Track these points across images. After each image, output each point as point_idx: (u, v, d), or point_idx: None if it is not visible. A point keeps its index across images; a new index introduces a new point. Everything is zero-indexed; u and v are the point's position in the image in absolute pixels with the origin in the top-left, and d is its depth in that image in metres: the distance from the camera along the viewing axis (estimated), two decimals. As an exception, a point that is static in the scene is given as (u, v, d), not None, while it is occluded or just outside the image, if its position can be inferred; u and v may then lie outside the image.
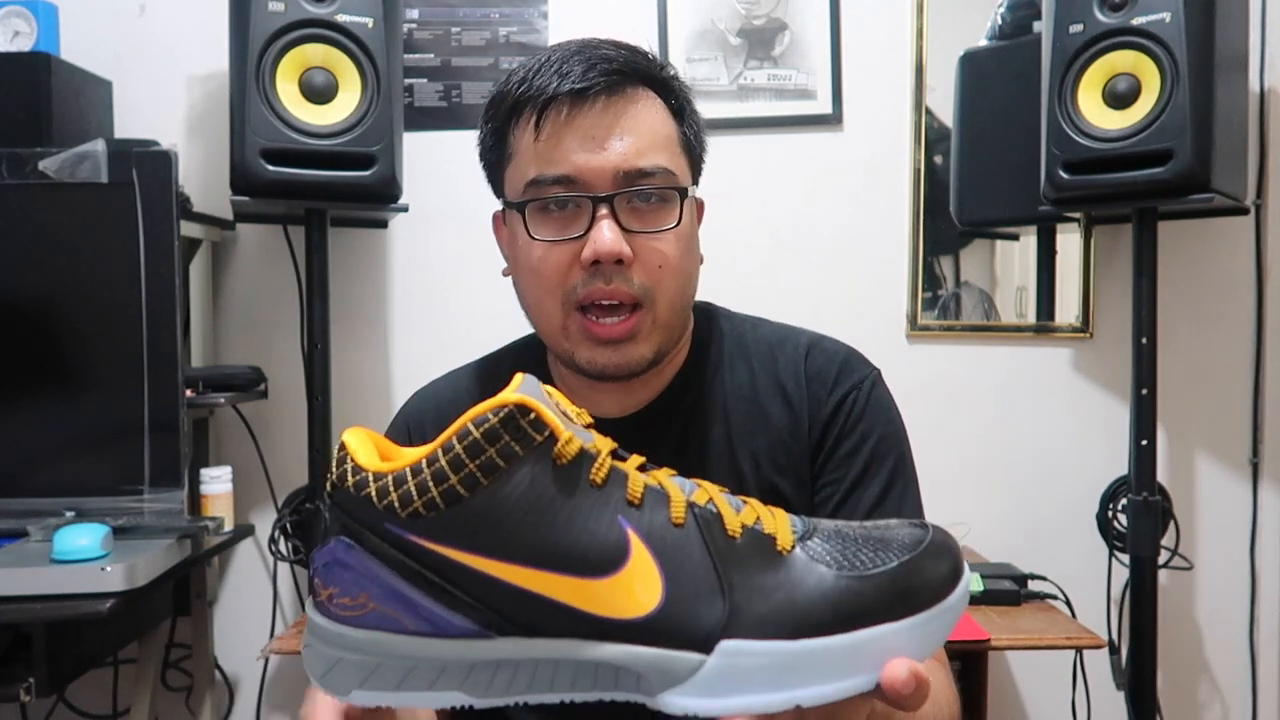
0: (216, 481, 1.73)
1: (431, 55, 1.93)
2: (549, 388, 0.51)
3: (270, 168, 1.56)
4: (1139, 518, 1.68)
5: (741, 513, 0.51)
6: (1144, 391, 1.67)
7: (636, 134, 0.78)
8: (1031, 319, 1.93)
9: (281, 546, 1.80)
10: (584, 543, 0.47)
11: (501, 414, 0.47)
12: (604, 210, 0.76)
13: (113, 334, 1.48)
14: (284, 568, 1.88)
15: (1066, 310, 1.91)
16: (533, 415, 0.47)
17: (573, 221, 0.78)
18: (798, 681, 0.46)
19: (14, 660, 1.30)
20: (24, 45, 1.74)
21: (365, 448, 0.49)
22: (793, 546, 0.49)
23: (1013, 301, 1.94)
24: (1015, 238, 1.97)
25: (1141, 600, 1.70)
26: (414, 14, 1.91)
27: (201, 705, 1.81)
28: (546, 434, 0.47)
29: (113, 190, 1.47)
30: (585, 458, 0.48)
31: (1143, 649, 1.69)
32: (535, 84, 0.78)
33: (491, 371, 0.94)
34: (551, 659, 0.47)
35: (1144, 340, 1.67)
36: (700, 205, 0.90)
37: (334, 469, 0.49)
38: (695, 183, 0.86)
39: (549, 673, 0.47)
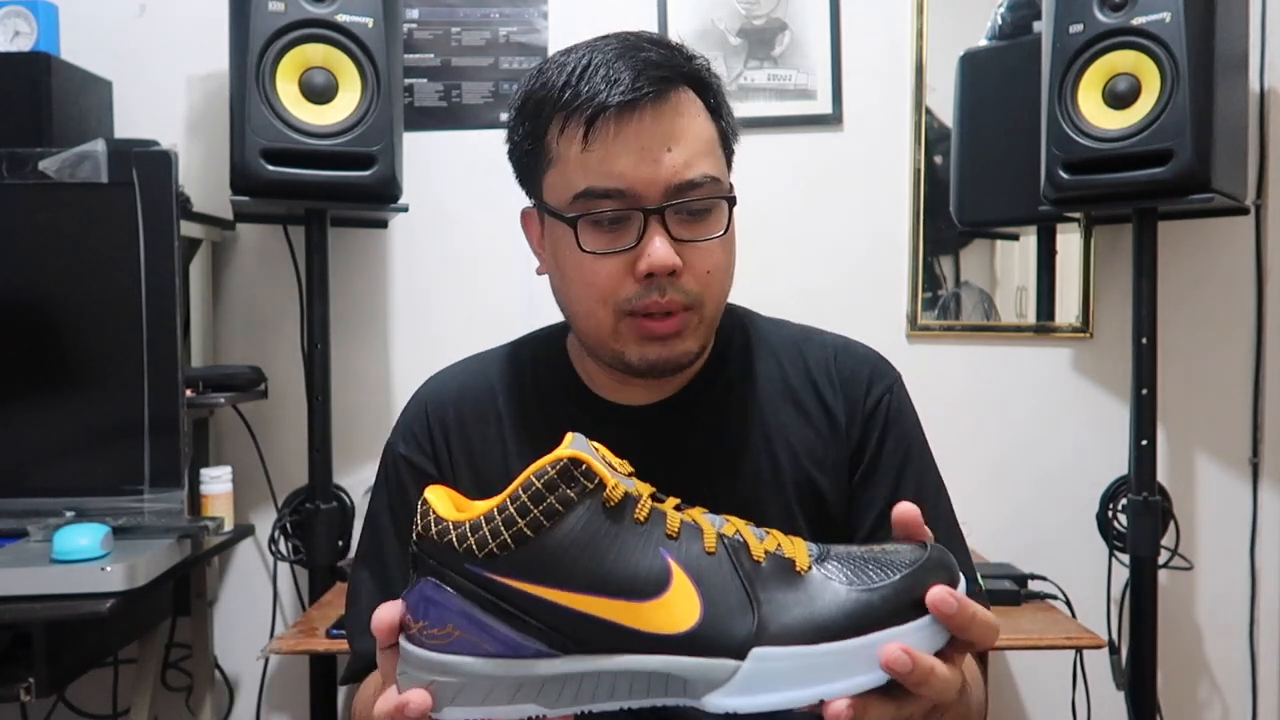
0: (216, 481, 1.73)
1: (431, 55, 1.93)
2: (595, 443, 0.59)
3: (270, 168, 1.56)
4: (1139, 518, 1.68)
5: (764, 541, 0.59)
6: (1144, 391, 1.67)
7: (684, 144, 0.79)
8: (1031, 319, 1.93)
9: (281, 546, 1.80)
10: (632, 571, 0.56)
11: (559, 466, 0.56)
12: (655, 222, 0.78)
13: (113, 334, 1.48)
14: (284, 568, 1.88)
15: (1066, 310, 1.91)
16: (584, 466, 0.56)
17: (623, 233, 0.79)
18: (820, 679, 0.55)
19: (14, 660, 1.31)
20: (24, 45, 1.74)
21: (444, 502, 0.59)
22: (809, 567, 0.58)
23: (1013, 301, 1.95)
24: (1015, 238, 1.97)
25: (1141, 600, 1.70)
26: (414, 14, 1.91)
27: (201, 705, 1.81)
28: (596, 481, 0.56)
29: (113, 190, 1.47)
30: (629, 500, 0.57)
31: (1143, 649, 1.70)
32: (583, 91, 0.77)
33: (513, 360, 0.94)
34: (611, 671, 0.56)
35: (1144, 340, 1.67)
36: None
37: (418, 521, 0.58)
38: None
39: (609, 683, 0.56)
